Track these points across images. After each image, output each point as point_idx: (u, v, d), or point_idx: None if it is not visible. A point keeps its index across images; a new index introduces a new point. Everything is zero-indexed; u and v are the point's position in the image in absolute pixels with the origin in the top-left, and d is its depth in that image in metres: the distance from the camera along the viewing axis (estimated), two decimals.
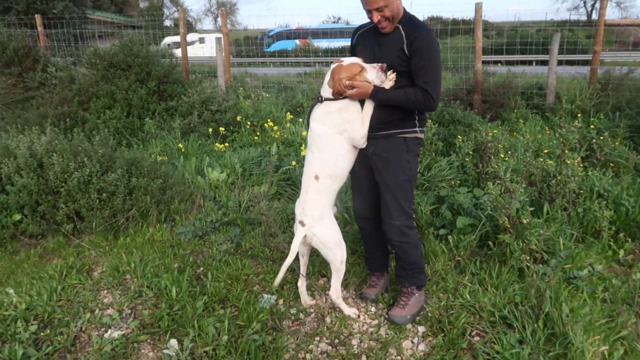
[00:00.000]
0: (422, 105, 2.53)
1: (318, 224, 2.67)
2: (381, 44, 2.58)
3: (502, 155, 4.17)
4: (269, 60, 22.70)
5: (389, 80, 2.54)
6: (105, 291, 3.13)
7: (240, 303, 2.95)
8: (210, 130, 5.88)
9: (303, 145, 4.76)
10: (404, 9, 2.59)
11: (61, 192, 3.84)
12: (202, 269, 3.40)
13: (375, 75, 2.52)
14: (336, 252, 2.72)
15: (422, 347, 2.60)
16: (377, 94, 2.54)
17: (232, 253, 3.64)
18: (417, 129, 2.65)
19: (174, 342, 2.52)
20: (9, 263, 3.50)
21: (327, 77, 2.63)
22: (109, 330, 2.70)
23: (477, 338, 2.63)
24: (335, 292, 2.79)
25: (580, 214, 3.84)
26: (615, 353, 2.35)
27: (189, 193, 4.41)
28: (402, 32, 2.52)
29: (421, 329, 2.74)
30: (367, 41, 2.67)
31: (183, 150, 5.43)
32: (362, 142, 2.62)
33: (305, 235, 2.69)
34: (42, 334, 2.67)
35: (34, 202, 3.84)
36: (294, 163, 4.46)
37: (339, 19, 37.91)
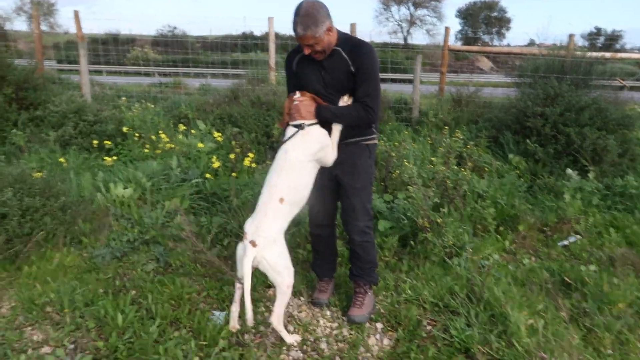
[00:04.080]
0: (365, 119, 2.69)
1: (270, 246, 2.57)
2: (326, 68, 2.68)
3: (407, 163, 4.62)
4: (103, 69, 20.71)
5: (345, 103, 2.73)
6: (30, 328, 2.70)
7: (193, 323, 2.81)
8: (95, 142, 5.34)
9: (214, 158, 4.64)
10: (338, 31, 2.69)
11: None
12: (134, 292, 3.13)
13: None
14: (284, 275, 2.63)
15: (386, 341, 2.79)
16: (321, 111, 2.69)
17: (162, 273, 3.40)
18: (374, 135, 2.89)
19: None
20: None
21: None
22: None
23: (429, 327, 2.91)
24: (277, 317, 2.66)
25: (469, 212, 4.45)
26: (540, 324, 2.83)
27: (92, 212, 3.98)
28: (344, 55, 2.64)
29: (379, 325, 2.94)
30: (311, 67, 2.72)
31: (66, 165, 4.84)
32: (332, 164, 2.78)
33: (254, 257, 2.55)
34: None
35: None
36: (208, 175, 4.33)
37: (175, 28, 36.63)
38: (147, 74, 20.18)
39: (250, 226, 2.62)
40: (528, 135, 6.07)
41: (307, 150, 2.68)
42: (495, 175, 5.52)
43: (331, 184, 2.88)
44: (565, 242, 4.19)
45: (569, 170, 5.27)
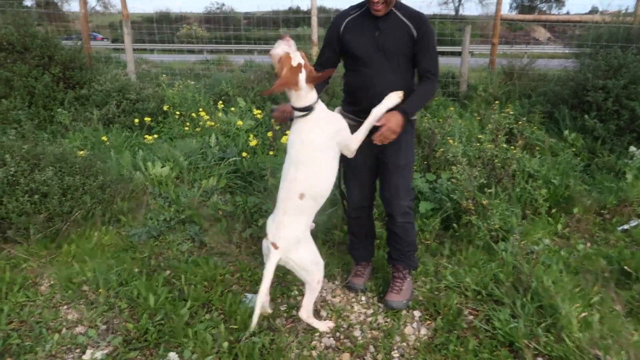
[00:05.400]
0: (434, 93, 2.68)
1: (293, 247, 2.40)
2: (382, 29, 2.55)
3: (451, 141, 4.37)
4: (154, 47, 21.06)
5: (397, 97, 2.54)
6: (66, 307, 2.73)
7: (225, 305, 2.76)
8: (136, 120, 5.38)
9: (251, 136, 4.56)
10: None
11: None
12: (168, 272, 3.12)
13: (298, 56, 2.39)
14: (314, 272, 2.47)
15: (423, 331, 2.65)
16: (409, 114, 2.53)
17: (196, 253, 3.38)
18: None
19: (173, 355, 2.28)
20: None
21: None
22: (88, 351, 2.36)
23: (471, 317, 2.74)
24: (307, 311, 2.55)
25: (518, 193, 4.16)
26: (594, 318, 2.59)
27: (130, 190, 4.00)
28: (402, 17, 2.55)
29: (417, 313, 2.79)
30: (362, 27, 2.60)
31: (107, 143, 4.90)
32: (354, 152, 2.57)
33: (279, 259, 2.40)
34: None
35: None
36: (245, 154, 4.26)
37: (223, 5, 36.59)
38: (192, 51, 20.35)
39: (271, 225, 2.45)
40: (587, 111, 5.62)
41: (322, 135, 2.45)
42: (548, 153, 5.16)
43: (371, 163, 2.78)
44: (626, 227, 3.86)
45: (632, 148, 4.85)
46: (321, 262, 2.51)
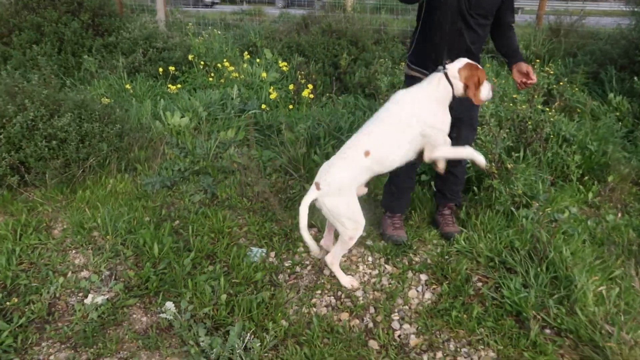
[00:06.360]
0: None
1: (333, 195, 2.38)
2: None
3: None
4: None
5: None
6: (74, 251, 2.79)
7: (229, 258, 2.75)
8: (161, 70, 5.35)
9: (272, 88, 4.44)
10: None
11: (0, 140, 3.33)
12: (177, 222, 3.13)
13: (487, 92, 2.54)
14: (347, 226, 2.42)
15: (427, 295, 2.56)
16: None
17: (207, 204, 3.37)
18: None
19: (170, 304, 2.29)
20: None
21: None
22: (90, 296, 2.40)
23: (479, 284, 2.63)
24: (332, 258, 2.56)
25: (549, 158, 3.92)
26: (612, 292, 2.43)
27: (148, 139, 4.00)
28: None
29: (423, 277, 2.70)
30: None
31: (131, 91, 4.90)
32: (430, 159, 2.56)
33: (316, 199, 2.40)
34: (8, 303, 2.33)
35: None
36: (263, 107, 4.16)
37: None
38: (226, 2, 20.03)
39: (324, 167, 2.46)
40: (637, 72, 5.19)
41: (422, 115, 2.41)
42: (589, 117, 4.82)
43: None
44: None
45: None
46: (361, 222, 2.44)
